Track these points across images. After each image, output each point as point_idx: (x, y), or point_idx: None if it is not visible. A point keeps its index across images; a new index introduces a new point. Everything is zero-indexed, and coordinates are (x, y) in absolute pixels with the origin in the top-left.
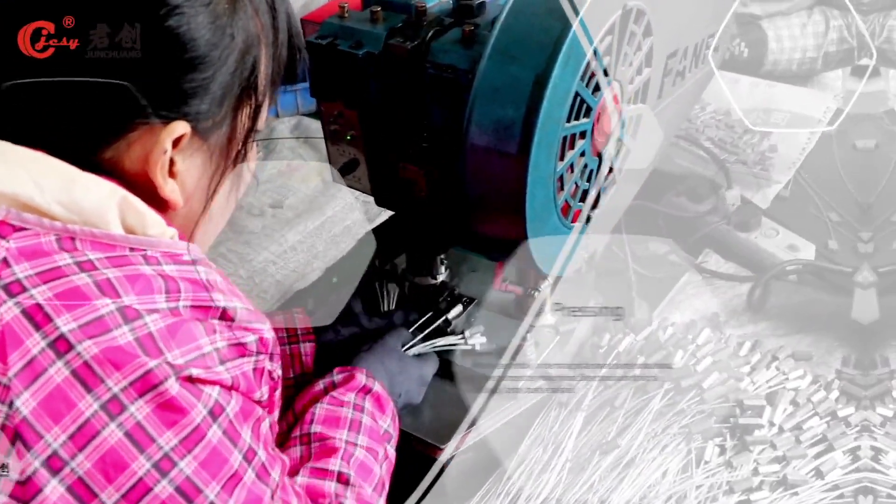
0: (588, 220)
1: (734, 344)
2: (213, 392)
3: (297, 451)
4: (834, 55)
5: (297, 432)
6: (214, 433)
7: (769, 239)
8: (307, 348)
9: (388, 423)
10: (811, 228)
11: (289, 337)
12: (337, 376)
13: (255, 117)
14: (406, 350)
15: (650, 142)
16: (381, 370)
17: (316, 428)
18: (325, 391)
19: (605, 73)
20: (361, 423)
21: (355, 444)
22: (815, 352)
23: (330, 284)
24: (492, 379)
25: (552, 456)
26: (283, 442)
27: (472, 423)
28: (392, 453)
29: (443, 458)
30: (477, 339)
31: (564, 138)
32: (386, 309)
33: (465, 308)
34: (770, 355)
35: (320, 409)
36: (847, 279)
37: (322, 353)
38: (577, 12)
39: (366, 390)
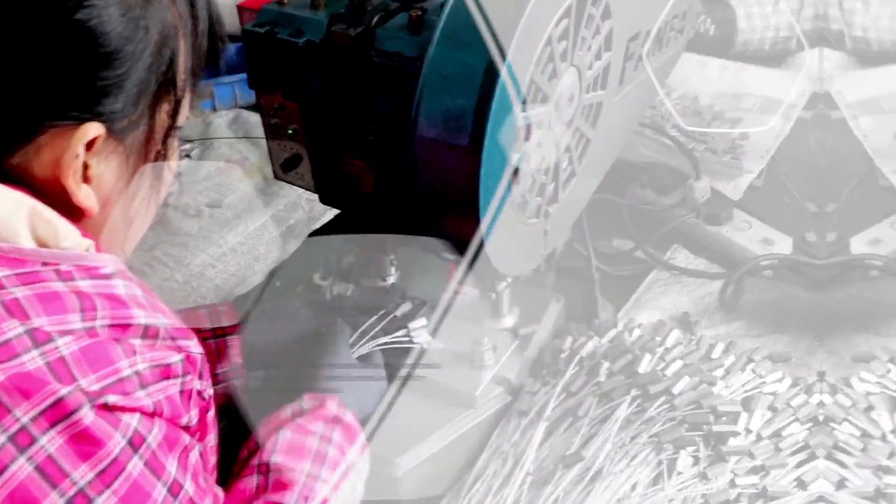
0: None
1: (706, 345)
2: (133, 420)
3: (253, 480)
4: (809, 34)
5: (256, 460)
6: (135, 465)
7: (742, 232)
8: (234, 341)
9: (358, 457)
10: (787, 220)
11: (214, 331)
12: (306, 403)
13: (174, 114)
14: (353, 351)
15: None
16: (349, 395)
17: (276, 458)
18: (292, 418)
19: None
20: (327, 456)
21: (317, 479)
22: (793, 352)
23: (272, 288)
24: (448, 387)
25: (512, 469)
26: (240, 469)
27: (427, 434)
28: (361, 489)
29: (396, 472)
30: (422, 335)
31: (520, 129)
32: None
33: (414, 308)
34: (745, 357)
35: (283, 438)
36: (826, 274)
37: (251, 349)
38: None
39: (336, 420)
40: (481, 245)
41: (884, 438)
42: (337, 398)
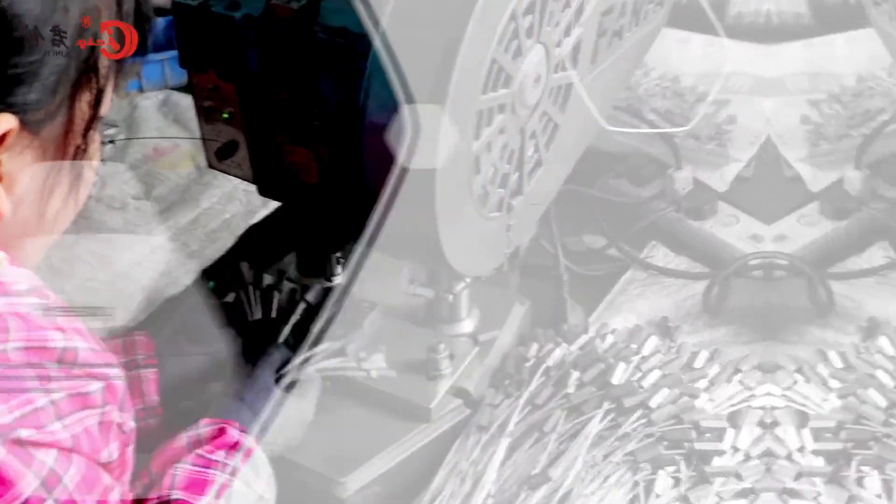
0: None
1: (688, 354)
2: (49, 458)
3: None
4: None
5: (153, 499)
6: None
7: (728, 228)
8: (149, 374)
9: (264, 488)
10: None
11: (127, 364)
12: (203, 429)
13: (96, 104)
14: (282, 375)
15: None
16: (252, 420)
17: (176, 494)
18: (190, 448)
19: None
20: (231, 489)
21: None
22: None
23: (206, 289)
24: (401, 399)
25: (472, 490)
26: None
27: (377, 451)
28: None
29: (342, 492)
30: (375, 363)
31: (480, 113)
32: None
33: (362, 310)
34: (731, 367)
35: (182, 471)
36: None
37: (167, 383)
38: None
39: (237, 447)
40: (379, 227)
41: (790, 458)
42: (237, 424)
